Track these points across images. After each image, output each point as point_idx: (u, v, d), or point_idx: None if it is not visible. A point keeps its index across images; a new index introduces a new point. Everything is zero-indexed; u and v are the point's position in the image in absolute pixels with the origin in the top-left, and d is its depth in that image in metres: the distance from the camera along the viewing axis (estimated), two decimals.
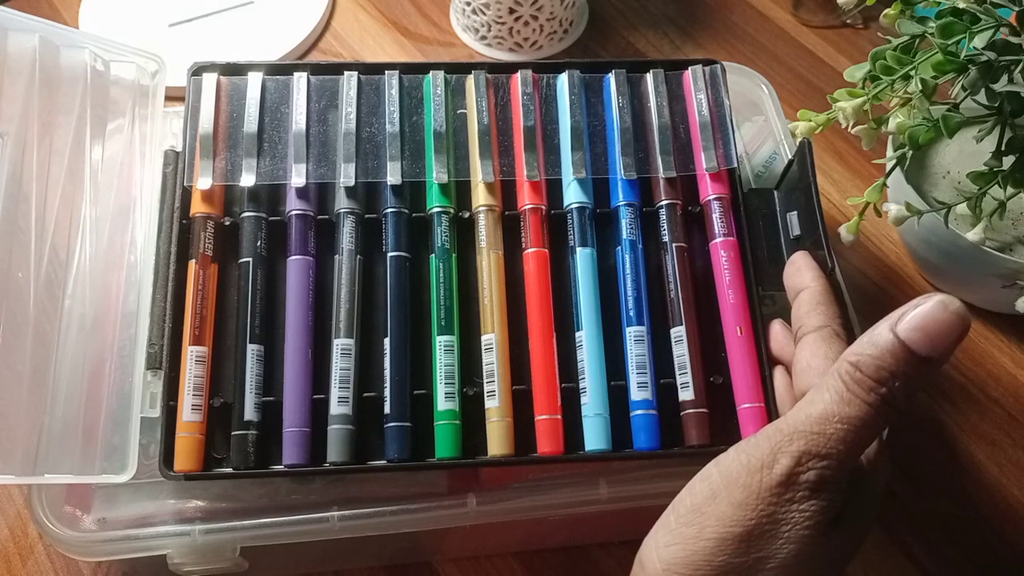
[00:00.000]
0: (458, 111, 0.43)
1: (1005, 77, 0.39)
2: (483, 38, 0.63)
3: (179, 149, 0.42)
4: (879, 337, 0.27)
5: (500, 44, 0.63)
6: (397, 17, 0.66)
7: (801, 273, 0.37)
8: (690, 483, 0.30)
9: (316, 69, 0.43)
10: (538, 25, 0.61)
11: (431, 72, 0.43)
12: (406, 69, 0.44)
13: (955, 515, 0.46)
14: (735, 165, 0.42)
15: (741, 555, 0.28)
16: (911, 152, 0.42)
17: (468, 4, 0.61)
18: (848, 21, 0.65)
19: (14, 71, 0.39)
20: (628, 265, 0.40)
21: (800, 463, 0.27)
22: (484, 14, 0.61)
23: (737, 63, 0.50)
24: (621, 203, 0.42)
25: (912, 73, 0.40)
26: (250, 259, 0.40)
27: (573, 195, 0.42)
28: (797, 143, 0.41)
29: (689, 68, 0.44)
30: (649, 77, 0.44)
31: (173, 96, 0.45)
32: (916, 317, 0.27)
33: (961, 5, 0.39)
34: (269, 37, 0.63)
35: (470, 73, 0.44)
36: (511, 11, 0.60)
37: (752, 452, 0.28)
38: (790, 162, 0.43)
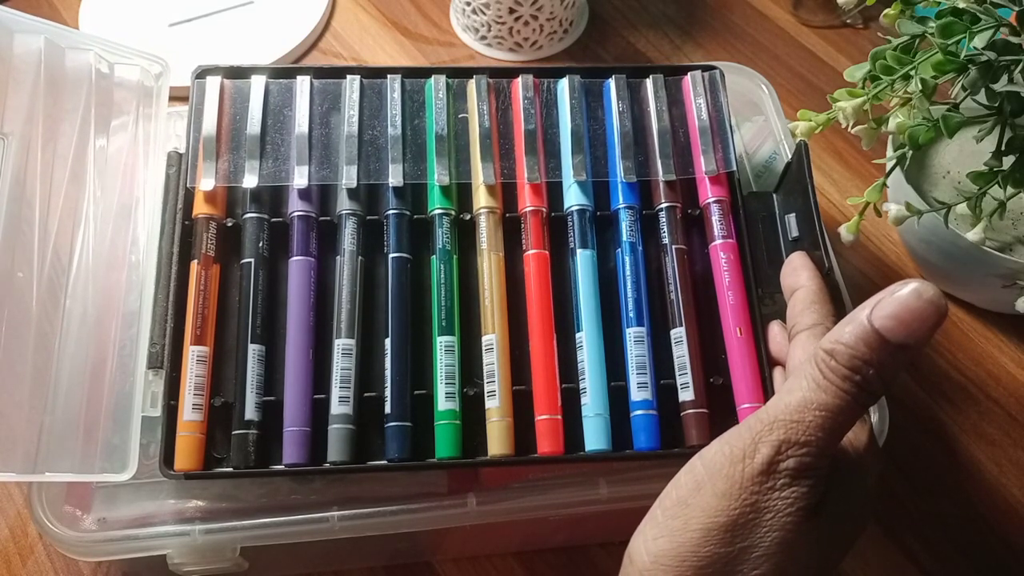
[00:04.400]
0: (460, 115, 0.43)
1: (1005, 77, 0.39)
2: (483, 38, 0.63)
3: (182, 151, 0.42)
4: (854, 325, 0.27)
5: (500, 44, 0.63)
6: (397, 17, 0.66)
7: (797, 273, 0.38)
8: (676, 476, 0.30)
9: (319, 73, 0.44)
10: (538, 25, 0.61)
11: (433, 76, 0.44)
12: (408, 73, 0.44)
13: (955, 515, 0.46)
14: (734, 169, 0.42)
15: (727, 544, 0.28)
16: (911, 152, 0.42)
17: (468, 4, 0.61)
18: (848, 21, 0.65)
19: (20, 72, 0.39)
20: (628, 267, 0.40)
21: (780, 451, 0.27)
22: (484, 14, 0.61)
23: (737, 63, 0.50)
24: (621, 206, 0.42)
25: (912, 73, 0.40)
26: (252, 259, 0.40)
27: (574, 198, 0.42)
28: (795, 144, 0.41)
29: (688, 74, 0.44)
30: (649, 83, 0.44)
31: (173, 96, 0.45)
32: (890, 305, 0.27)
33: (961, 5, 0.39)
34: (269, 37, 0.63)
35: (471, 78, 0.44)
36: (511, 11, 0.60)
37: (734, 442, 0.28)
38: (787, 164, 0.43)
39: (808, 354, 0.34)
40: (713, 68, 0.45)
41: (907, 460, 0.48)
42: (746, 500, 0.28)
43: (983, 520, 0.46)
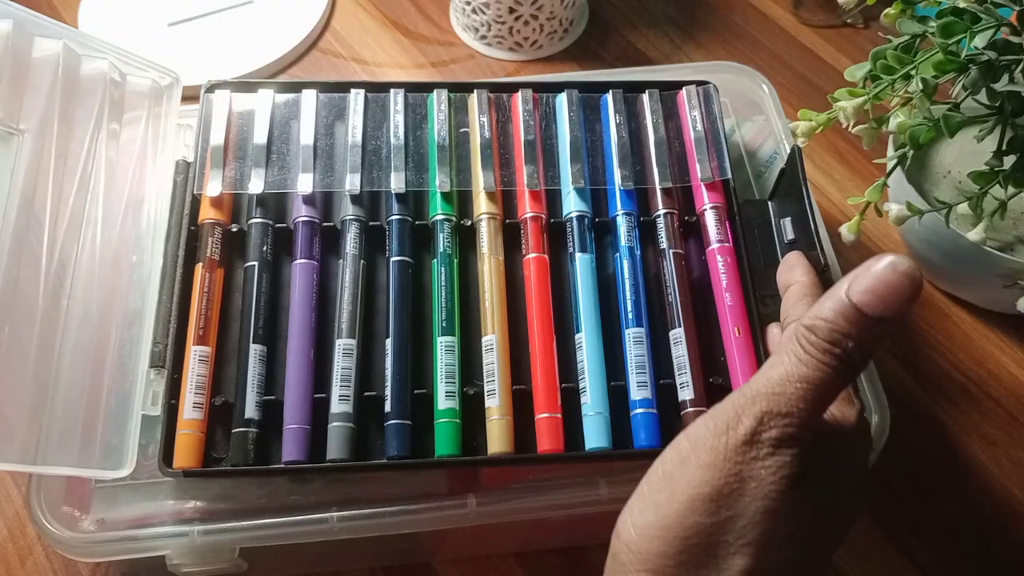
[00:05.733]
0: (461, 129, 0.44)
1: (1006, 76, 0.39)
2: (483, 37, 0.63)
3: (190, 160, 0.43)
4: (833, 300, 0.28)
5: (500, 43, 0.63)
6: (397, 16, 0.66)
7: (792, 270, 0.38)
8: (662, 454, 0.30)
9: (325, 87, 0.44)
10: (538, 24, 0.61)
11: (435, 90, 0.44)
12: (411, 88, 0.45)
13: (955, 515, 0.46)
14: (729, 176, 0.43)
15: (711, 515, 0.28)
16: (912, 152, 0.42)
17: (468, 3, 0.61)
18: (848, 20, 0.65)
19: (37, 74, 0.40)
20: (626, 270, 0.41)
21: (762, 422, 0.28)
22: (484, 13, 0.61)
23: (737, 62, 0.50)
24: (619, 212, 0.42)
25: (913, 73, 0.40)
26: (255, 263, 0.41)
27: (572, 204, 0.42)
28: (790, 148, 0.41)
29: (684, 88, 0.45)
30: (645, 97, 0.45)
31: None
32: (867, 279, 0.27)
33: (962, 4, 0.39)
34: (269, 36, 0.63)
35: (472, 92, 0.44)
36: (511, 11, 0.60)
37: (717, 417, 0.29)
38: (782, 170, 0.43)
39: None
40: (707, 83, 0.46)
41: (907, 460, 0.48)
42: (730, 470, 0.28)
43: (983, 520, 0.46)
